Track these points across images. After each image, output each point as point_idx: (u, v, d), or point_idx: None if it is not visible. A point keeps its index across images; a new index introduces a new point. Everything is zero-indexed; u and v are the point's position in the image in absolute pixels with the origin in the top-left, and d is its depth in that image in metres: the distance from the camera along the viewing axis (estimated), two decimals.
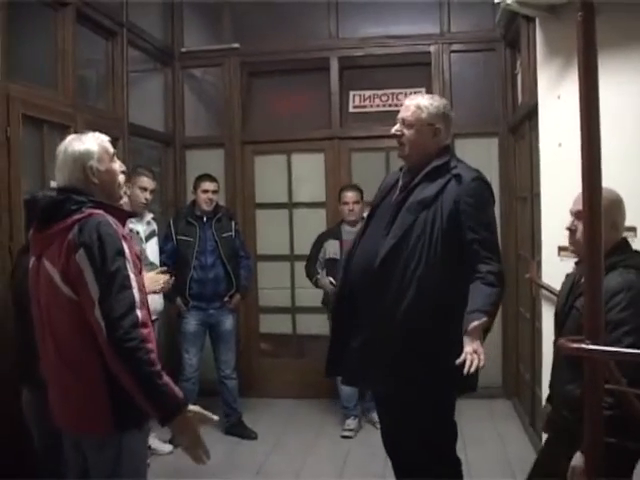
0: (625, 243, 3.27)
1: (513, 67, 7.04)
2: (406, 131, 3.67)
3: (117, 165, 3.12)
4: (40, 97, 5.22)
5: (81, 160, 2.99)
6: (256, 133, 7.97)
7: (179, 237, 6.39)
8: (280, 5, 7.63)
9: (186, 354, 6.36)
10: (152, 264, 5.52)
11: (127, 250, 2.84)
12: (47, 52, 5.54)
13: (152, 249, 5.93)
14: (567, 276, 3.54)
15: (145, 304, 2.86)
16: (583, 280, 2.94)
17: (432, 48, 7.41)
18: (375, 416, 6.21)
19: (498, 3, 5.51)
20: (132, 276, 2.80)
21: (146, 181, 5.75)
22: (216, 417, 3.04)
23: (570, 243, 3.37)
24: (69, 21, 5.61)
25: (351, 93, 7.78)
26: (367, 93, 7.70)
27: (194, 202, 6.56)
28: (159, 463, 5.68)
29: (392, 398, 3.69)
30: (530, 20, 5.64)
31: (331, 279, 6.30)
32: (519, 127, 6.56)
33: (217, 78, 8.03)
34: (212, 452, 5.92)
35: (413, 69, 7.70)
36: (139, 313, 2.74)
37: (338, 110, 7.64)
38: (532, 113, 5.71)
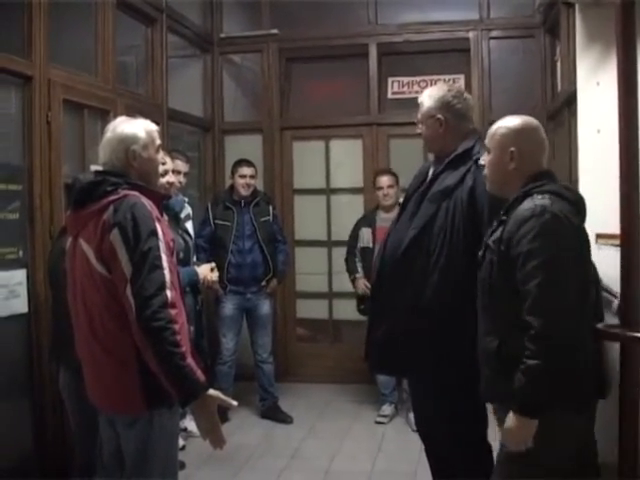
0: (546, 173, 3.01)
1: (552, 54, 6.96)
2: (420, 127, 3.76)
3: (160, 156, 3.19)
4: (81, 82, 5.26)
5: (125, 142, 3.04)
6: (294, 119, 7.99)
7: (217, 222, 6.43)
8: None
9: (223, 338, 6.41)
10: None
11: (160, 231, 2.88)
12: (88, 38, 5.58)
13: None
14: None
15: (175, 285, 2.90)
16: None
17: (471, 34, 7.36)
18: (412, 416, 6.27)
19: None
20: (164, 257, 2.84)
21: (180, 164, 5.78)
22: (235, 402, 3.09)
23: None
24: (109, 7, 5.66)
25: (389, 79, 7.76)
26: (405, 79, 7.66)
27: (232, 187, 6.59)
28: (195, 445, 5.72)
29: (417, 384, 3.77)
30: (570, 6, 5.57)
31: (366, 283, 6.31)
32: (558, 114, 6.50)
33: (256, 64, 8.04)
34: (248, 435, 6.01)
35: (452, 55, 7.65)
36: (169, 293, 2.78)
37: (376, 96, 7.62)
38: (571, 100, 5.66)
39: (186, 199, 6.08)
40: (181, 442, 5.59)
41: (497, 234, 2.88)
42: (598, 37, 5.02)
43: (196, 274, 4.76)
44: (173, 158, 5.81)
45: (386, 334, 3.62)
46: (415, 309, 3.47)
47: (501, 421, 2.86)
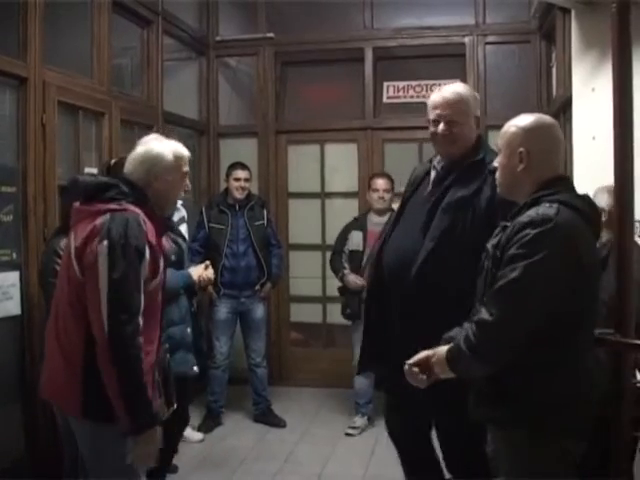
0: (562, 179, 2.84)
1: (548, 59, 6.97)
2: (455, 128, 3.49)
3: (184, 183, 3.19)
4: (76, 84, 5.25)
5: (150, 161, 3.05)
6: (290, 123, 7.99)
7: (211, 225, 6.42)
8: None
9: (217, 342, 6.39)
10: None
11: (148, 256, 2.89)
12: (83, 39, 5.57)
13: None
14: None
15: (151, 310, 2.97)
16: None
17: (467, 39, 7.36)
18: None
19: None
20: (142, 281, 2.87)
21: None
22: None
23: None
24: (105, 9, 5.65)
25: (385, 84, 7.75)
26: (401, 84, 7.66)
27: (226, 190, 6.59)
28: (189, 451, 5.72)
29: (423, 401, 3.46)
30: (566, 12, 5.59)
31: (357, 277, 6.30)
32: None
33: (251, 67, 8.04)
34: (241, 439, 6.01)
35: (447, 60, 7.66)
36: (141, 321, 2.81)
37: (372, 100, 7.61)
38: (566, 106, 5.67)
39: (180, 202, 6.07)
40: None
41: (496, 239, 2.78)
42: (594, 43, 5.04)
43: (190, 276, 4.74)
44: None
45: (400, 346, 3.36)
46: (433, 326, 3.11)
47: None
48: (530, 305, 2.57)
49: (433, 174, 3.65)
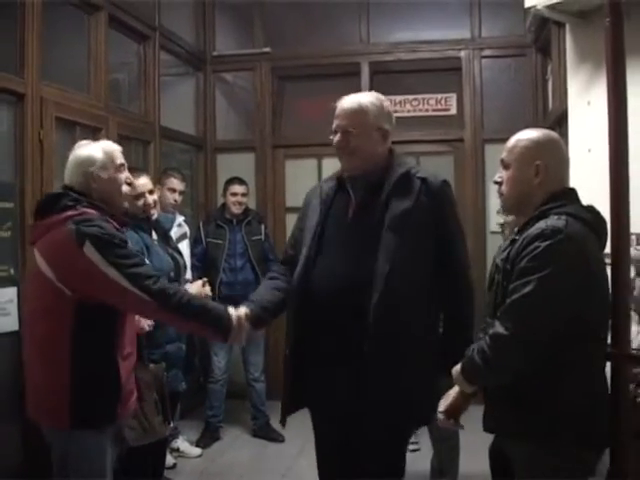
0: (569, 192, 2.83)
1: (544, 73, 7.01)
2: (352, 139, 3.21)
3: (123, 176, 3.24)
4: (73, 100, 5.27)
5: (82, 165, 3.13)
6: (287, 137, 8.01)
7: (209, 240, 6.43)
8: (311, 10, 7.69)
9: (215, 356, 6.38)
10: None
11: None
12: (80, 55, 5.60)
13: (183, 252, 5.95)
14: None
15: None
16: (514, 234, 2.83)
17: (463, 53, 7.40)
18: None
19: (529, 8, 5.48)
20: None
21: (175, 182, 5.80)
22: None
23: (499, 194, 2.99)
24: (102, 25, 5.68)
25: None
26: (398, 98, 7.66)
27: (224, 205, 6.60)
28: (187, 466, 5.72)
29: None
30: (561, 26, 5.61)
31: None
32: None
33: (248, 82, 8.07)
34: (240, 454, 5.99)
35: (444, 74, 7.69)
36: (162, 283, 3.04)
37: None
38: (562, 119, 5.69)
39: (183, 217, 6.09)
40: (171, 461, 5.57)
41: (505, 254, 2.77)
42: (588, 56, 5.07)
43: None
44: (168, 176, 5.82)
45: (350, 377, 3.18)
46: (393, 351, 3.09)
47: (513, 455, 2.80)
48: (544, 317, 2.57)
49: (353, 195, 3.31)
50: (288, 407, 3.55)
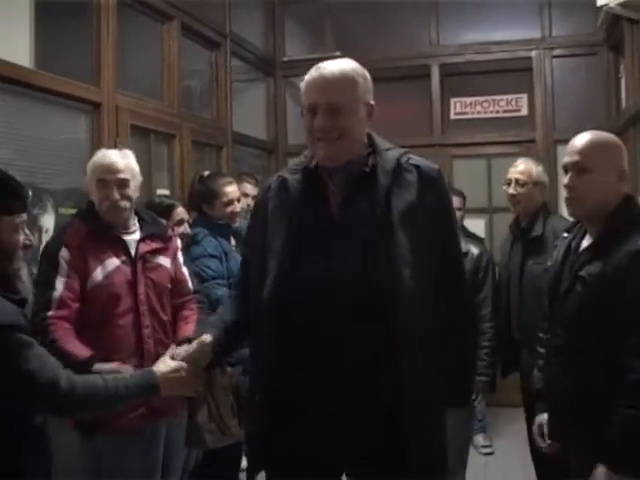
0: (633, 198, 2.68)
1: (616, 71, 6.90)
2: (341, 119, 2.53)
3: (105, 192, 3.21)
4: (147, 107, 5.37)
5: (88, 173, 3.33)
6: None
7: None
8: (380, 13, 7.67)
9: None
10: None
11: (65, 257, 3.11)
12: (153, 64, 5.71)
13: None
14: (562, 239, 2.92)
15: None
16: (589, 245, 2.63)
17: (533, 53, 7.33)
18: (480, 439, 6.12)
19: (600, 6, 5.42)
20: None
21: (249, 187, 5.82)
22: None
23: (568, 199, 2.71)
24: (174, 33, 5.77)
25: (452, 100, 7.74)
26: (468, 100, 7.64)
27: None
28: None
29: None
30: (634, 23, 5.53)
31: None
32: (623, 132, 6.41)
33: None
34: None
35: (514, 75, 7.61)
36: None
37: (439, 117, 7.61)
38: (636, 118, 5.60)
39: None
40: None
41: (594, 267, 2.52)
42: None
43: None
44: (241, 181, 5.83)
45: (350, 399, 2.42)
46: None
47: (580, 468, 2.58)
48: None
49: (334, 187, 2.61)
50: (257, 465, 2.69)
